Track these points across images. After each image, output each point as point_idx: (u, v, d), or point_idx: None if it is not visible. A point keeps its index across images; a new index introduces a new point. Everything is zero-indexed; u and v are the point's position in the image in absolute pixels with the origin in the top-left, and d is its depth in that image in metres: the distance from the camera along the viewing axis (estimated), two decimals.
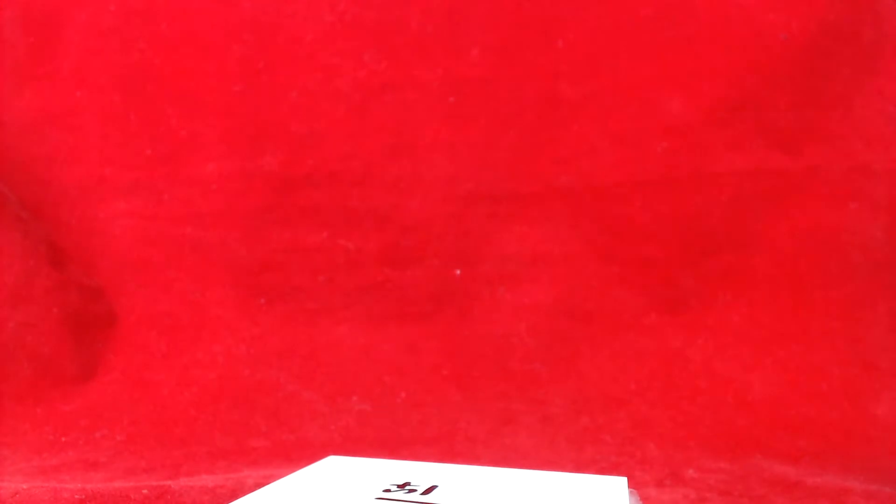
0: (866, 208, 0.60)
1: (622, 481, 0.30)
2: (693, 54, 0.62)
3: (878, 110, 0.60)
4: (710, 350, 0.60)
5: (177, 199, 0.67)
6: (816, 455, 0.50)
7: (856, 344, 0.58)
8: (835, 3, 0.60)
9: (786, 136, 0.61)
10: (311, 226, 0.66)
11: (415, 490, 0.28)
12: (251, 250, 0.67)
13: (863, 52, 0.60)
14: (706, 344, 0.61)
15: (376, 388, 0.61)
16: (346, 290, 0.66)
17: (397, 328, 0.65)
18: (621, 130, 0.63)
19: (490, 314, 0.64)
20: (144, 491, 0.41)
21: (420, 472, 0.31)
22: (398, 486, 0.29)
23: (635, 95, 0.63)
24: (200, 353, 0.64)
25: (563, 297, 0.64)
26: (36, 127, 0.68)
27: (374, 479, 0.30)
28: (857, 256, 0.60)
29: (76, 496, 0.40)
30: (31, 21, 0.69)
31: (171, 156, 0.67)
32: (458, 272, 0.65)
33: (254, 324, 0.66)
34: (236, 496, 0.36)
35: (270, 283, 0.66)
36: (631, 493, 0.29)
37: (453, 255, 0.65)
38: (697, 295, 0.62)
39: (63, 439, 0.56)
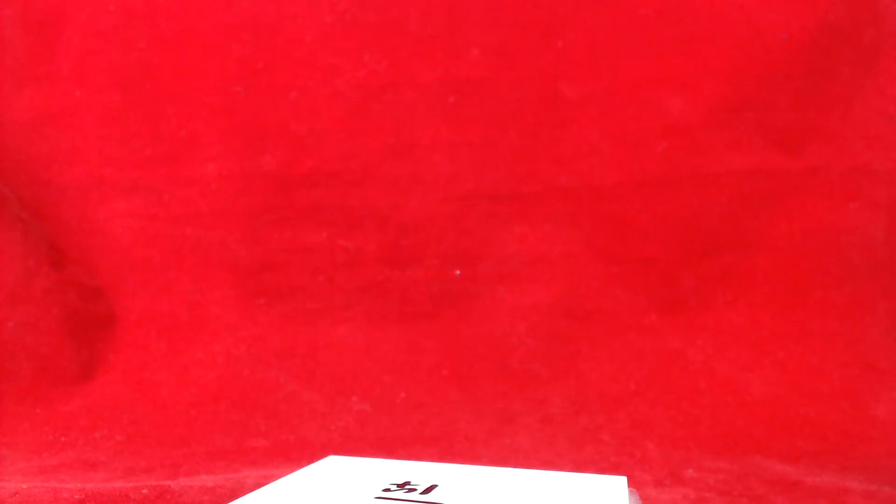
0: (866, 208, 0.60)
1: (622, 481, 0.30)
2: (693, 54, 0.62)
3: (878, 110, 0.60)
4: (710, 350, 0.60)
5: (177, 199, 0.67)
6: (816, 455, 0.50)
7: (855, 344, 0.58)
8: (835, 3, 0.60)
9: (786, 137, 0.62)
10: (311, 226, 0.66)
11: (414, 489, 0.28)
12: (251, 250, 0.67)
13: (863, 52, 0.60)
14: (706, 344, 0.61)
15: (376, 388, 0.61)
16: (346, 290, 0.66)
17: (397, 328, 0.65)
18: (621, 130, 0.63)
19: (490, 314, 0.64)
20: (144, 491, 0.41)
21: (420, 471, 0.31)
22: (398, 485, 0.29)
23: (635, 95, 0.63)
24: (200, 353, 0.64)
25: (563, 297, 0.64)
26: (36, 127, 0.68)
27: (373, 478, 0.30)
28: (857, 256, 0.60)
29: (76, 496, 0.40)
30: (31, 21, 0.69)
31: (171, 156, 0.67)
32: (457, 272, 0.65)
33: (254, 324, 0.66)
34: (236, 496, 0.36)
35: (270, 283, 0.66)
36: (631, 492, 0.29)
37: (453, 255, 0.65)
38: (697, 295, 0.62)
39: (63, 439, 0.56)
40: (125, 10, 0.68)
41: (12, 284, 0.65)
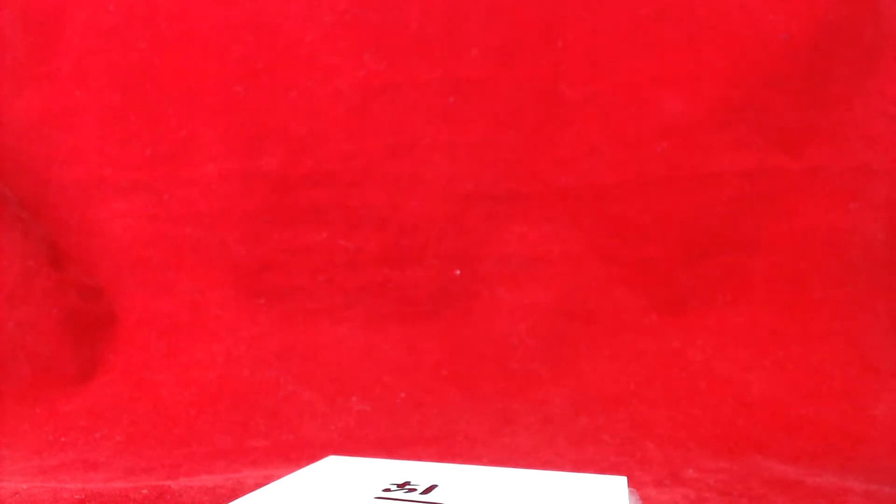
0: (866, 208, 0.60)
1: (622, 481, 0.30)
2: (693, 54, 0.62)
3: (878, 110, 0.60)
4: (710, 350, 0.60)
5: (177, 199, 0.67)
6: (816, 455, 0.50)
7: (855, 344, 0.58)
8: (835, 3, 0.60)
9: (786, 137, 0.61)
10: (311, 226, 0.66)
11: (414, 490, 0.28)
12: (251, 250, 0.67)
13: (863, 52, 0.60)
14: (706, 344, 0.61)
15: (376, 388, 0.61)
16: (346, 290, 0.66)
17: (397, 328, 0.65)
18: (621, 130, 0.63)
19: (490, 314, 0.64)
20: (144, 491, 0.41)
21: (420, 471, 0.31)
22: (398, 485, 0.29)
23: (635, 95, 0.63)
24: (200, 353, 0.64)
25: (563, 297, 0.64)
26: (36, 127, 0.68)
27: (373, 478, 0.30)
28: (857, 256, 0.60)
29: (76, 496, 0.40)
30: (31, 21, 0.69)
31: (171, 156, 0.67)
32: (458, 272, 0.65)
33: (254, 324, 0.66)
34: (236, 496, 0.36)
35: (270, 283, 0.66)
36: (631, 492, 0.29)
37: (453, 255, 0.65)
38: (697, 295, 0.62)
39: (63, 439, 0.56)
40: (125, 10, 0.68)
41: (12, 284, 0.65)
